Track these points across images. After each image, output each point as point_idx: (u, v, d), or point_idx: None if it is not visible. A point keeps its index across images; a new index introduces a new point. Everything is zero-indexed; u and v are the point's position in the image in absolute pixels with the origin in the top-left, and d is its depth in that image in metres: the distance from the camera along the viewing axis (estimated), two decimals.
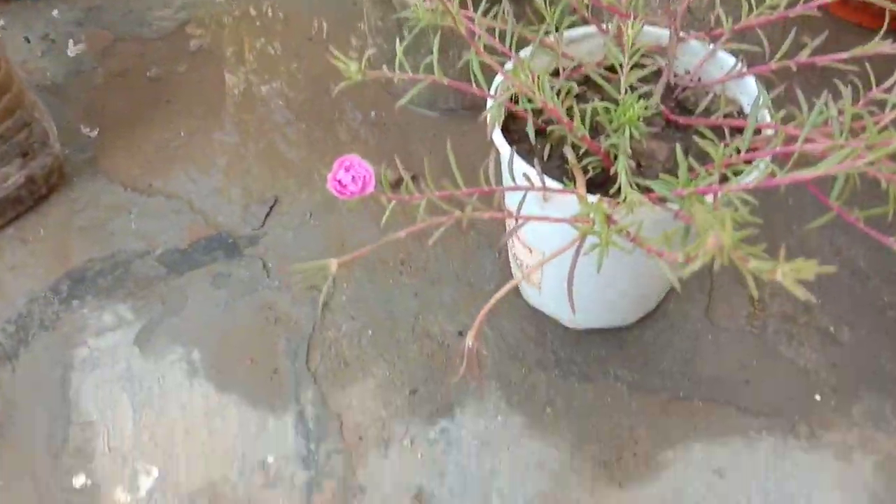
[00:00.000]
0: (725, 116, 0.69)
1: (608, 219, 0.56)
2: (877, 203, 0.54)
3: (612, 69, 0.72)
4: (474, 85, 0.66)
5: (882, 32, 0.66)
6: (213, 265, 0.89)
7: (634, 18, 0.71)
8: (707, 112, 0.71)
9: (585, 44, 0.77)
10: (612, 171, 0.63)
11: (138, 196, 0.96)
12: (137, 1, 1.22)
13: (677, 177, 0.57)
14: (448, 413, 0.76)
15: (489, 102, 0.68)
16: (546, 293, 0.78)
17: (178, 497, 0.72)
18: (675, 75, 0.76)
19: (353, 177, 0.53)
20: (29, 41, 1.15)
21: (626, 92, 0.68)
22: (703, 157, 0.63)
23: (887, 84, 0.64)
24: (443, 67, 0.65)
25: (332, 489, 0.72)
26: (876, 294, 0.83)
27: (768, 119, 0.66)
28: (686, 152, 0.68)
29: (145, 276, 0.88)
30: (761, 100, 0.66)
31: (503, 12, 0.72)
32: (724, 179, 0.62)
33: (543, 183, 0.62)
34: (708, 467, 0.72)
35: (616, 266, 0.68)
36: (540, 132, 0.69)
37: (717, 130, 0.68)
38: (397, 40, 0.66)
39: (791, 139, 0.60)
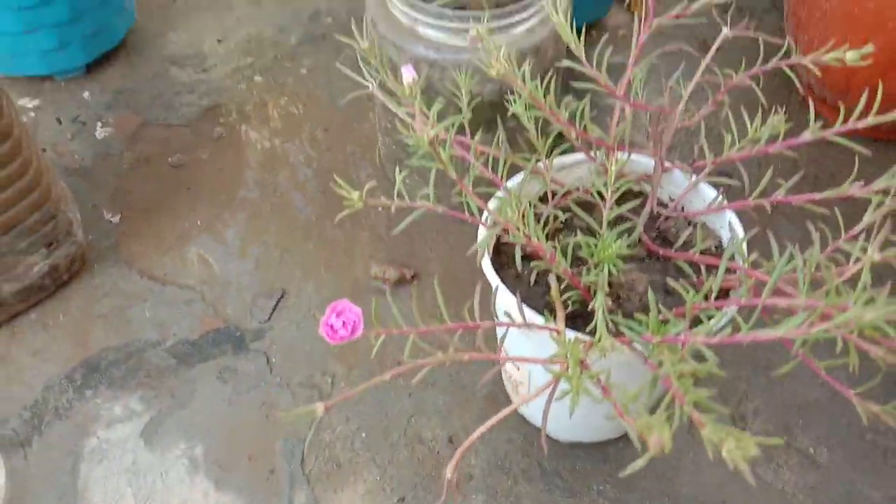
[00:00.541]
0: (703, 252, 0.72)
1: (581, 363, 0.60)
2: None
3: (601, 194, 0.76)
4: (467, 213, 0.70)
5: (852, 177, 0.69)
6: (220, 358, 0.93)
7: (620, 151, 0.76)
8: (687, 245, 0.74)
9: (577, 170, 0.81)
10: (590, 307, 0.67)
11: (154, 284, 1.01)
12: (165, 85, 1.28)
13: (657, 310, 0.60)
14: None
15: (480, 230, 0.73)
16: (533, 406, 0.82)
17: None
18: (660, 203, 0.80)
19: (344, 322, 0.56)
20: (60, 122, 1.22)
21: (607, 226, 0.72)
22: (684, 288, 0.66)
23: (856, 230, 0.67)
24: (446, 190, 0.69)
25: None
26: (854, 417, 0.85)
27: (740, 261, 0.69)
28: (664, 286, 0.72)
29: (157, 367, 0.92)
30: (736, 240, 0.69)
31: (497, 140, 0.76)
32: (696, 321, 0.65)
33: (524, 317, 0.66)
34: None
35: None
36: (528, 257, 0.72)
37: (696, 263, 0.72)
38: (397, 169, 0.70)
39: (761, 284, 0.63)
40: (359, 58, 0.78)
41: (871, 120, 0.67)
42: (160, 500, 0.81)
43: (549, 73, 0.81)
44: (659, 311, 0.61)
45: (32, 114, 1.23)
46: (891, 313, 0.50)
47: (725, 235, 0.75)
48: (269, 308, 0.98)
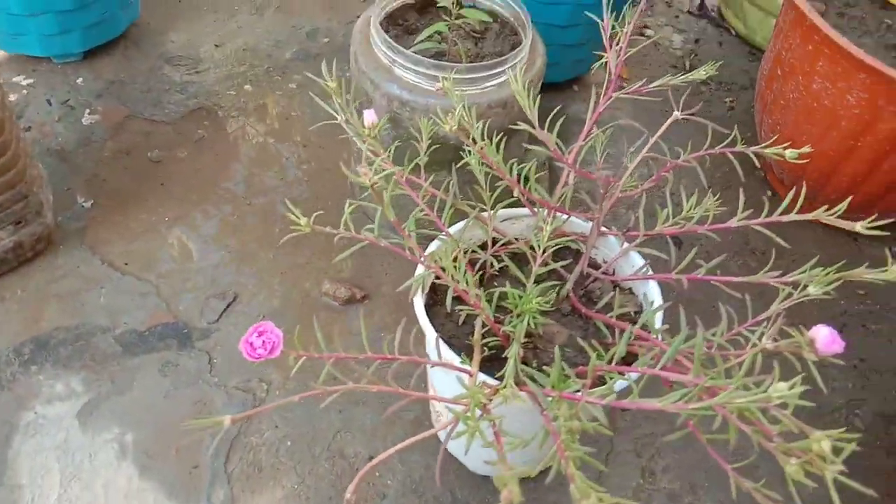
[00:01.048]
0: (621, 316, 0.77)
1: (483, 407, 0.64)
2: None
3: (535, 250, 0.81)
4: (408, 251, 0.75)
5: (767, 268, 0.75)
6: (165, 352, 0.97)
7: (560, 213, 0.81)
8: (608, 307, 0.79)
9: (522, 222, 0.86)
10: (504, 354, 0.72)
11: (113, 272, 1.05)
12: (157, 81, 1.33)
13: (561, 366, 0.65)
14: None
15: (418, 269, 0.77)
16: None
17: None
18: (594, 265, 0.85)
19: (264, 341, 0.61)
20: (50, 104, 1.26)
21: (535, 280, 0.77)
22: (601, 346, 0.71)
23: (761, 317, 0.72)
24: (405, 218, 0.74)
25: None
26: None
27: (657, 326, 0.74)
28: (587, 338, 0.77)
29: (102, 353, 0.96)
30: (647, 310, 0.74)
31: (448, 185, 0.81)
32: (601, 380, 0.70)
33: (440, 355, 0.70)
34: None
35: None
36: (459, 299, 0.77)
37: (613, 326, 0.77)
38: (347, 203, 0.75)
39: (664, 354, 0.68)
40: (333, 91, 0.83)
41: (816, 214, 0.71)
42: (85, 479, 0.85)
43: (515, 127, 0.86)
44: (563, 368, 0.66)
45: (25, 91, 1.28)
46: (760, 401, 0.55)
47: (646, 304, 0.80)
48: (219, 310, 1.02)
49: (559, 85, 1.42)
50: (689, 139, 0.78)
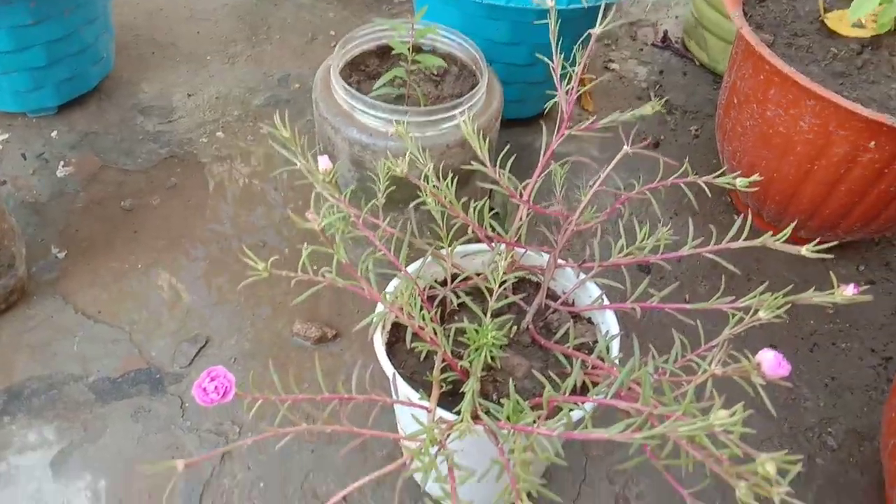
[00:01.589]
0: (579, 346, 0.79)
1: (440, 443, 0.66)
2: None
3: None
4: (367, 291, 0.77)
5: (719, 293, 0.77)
6: (137, 398, 0.98)
7: (517, 247, 0.83)
8: (566, 337, 0.81)
9: (480, 257, 0.88)
10: (461, 389, 0.73)
11: (86, 321, 1.06)
12: (130, 132, 1.35)
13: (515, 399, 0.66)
14: None
15: (377, 307, 0.79)
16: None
17: None
18: (553, 296, 0.87)
19: (216, 386, 0.62)
20: (25, 158, 1.28)
21: (492, 314, 0.78)
22: (560, 376, 0.72)
23: (713, 342, 0.74)
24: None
25: None
26: None
27: (613, 355, 0.75)
28: (543, 373, 0.78)
29: (75, 401, 0.97)
30: (602, 339, 0.76)
31: (407, 223, 0.83)
32: (559, 411, 0.71)
33: (396, 392, 0.72)
34: None
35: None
36: (418, 336, 0.79)
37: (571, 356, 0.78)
38: (304, 246, 0.76)
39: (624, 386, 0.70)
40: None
41: (763, 240, 0.72)
42: None
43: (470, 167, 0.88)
44: (519, 401, 0.68)
45: (0, 146, 1.30)
46: (703, 428, 0.57)
47: (603, 332, 0.82)
48: (191, 354, 1.03)
49: (528, 120, 1.45)
50: (657, 169, 0.80)
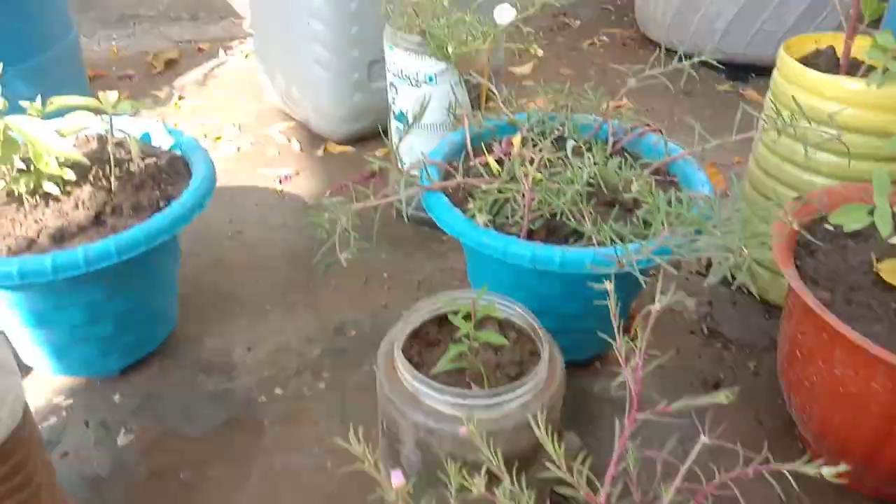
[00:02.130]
0: None
1: None
2: None
3: None
4: None
5: None
6: None
7: None
8: None
9: None
10: None
11: None
12: (191, 393, 1.37)
13: None
14: None
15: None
16: None
17: None
18: None
19: None
20: (88, 426, 1.30)
21: None
22: None
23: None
24: None
25: None
26: None
27: None
28: None
29: None
30: None
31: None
32: None
33: None
34: None
35: None
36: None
37: None
38: None
39: None
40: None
41: None
42: None
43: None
44: None
45: (64, 413, 1.32)
46: None
47: None
48: None
49: (582, 363, 1.44)
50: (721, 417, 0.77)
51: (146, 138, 1.50)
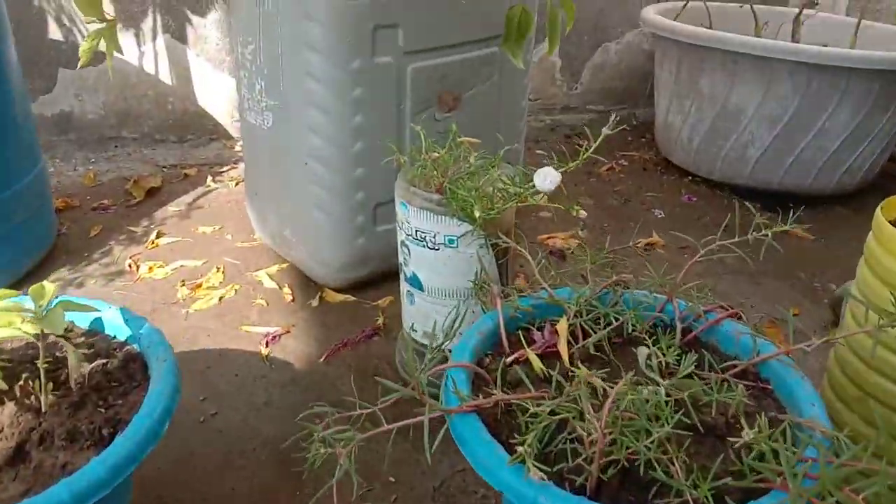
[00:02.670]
0: None
1: None
2: None
3: None
4: None
5: None
6: None
7: None
8: None
9: None
10: None
11: None
12: None
13: None
14: None
15: None
16: None
17: None
18: None
19: None
20: None
21: None
22: None
23: None
24: None
25: None
26: None
27: None
28: None
29: None
30: None
31: None
32: None
33: None
34: None
35: None
36: None
37: None
38: None
39: None
40: None
41: None
42: None
43: None
44: None
45: None
46: None
47: None
48: None
49: None
50: None
51: (98, 325, 1.19)
